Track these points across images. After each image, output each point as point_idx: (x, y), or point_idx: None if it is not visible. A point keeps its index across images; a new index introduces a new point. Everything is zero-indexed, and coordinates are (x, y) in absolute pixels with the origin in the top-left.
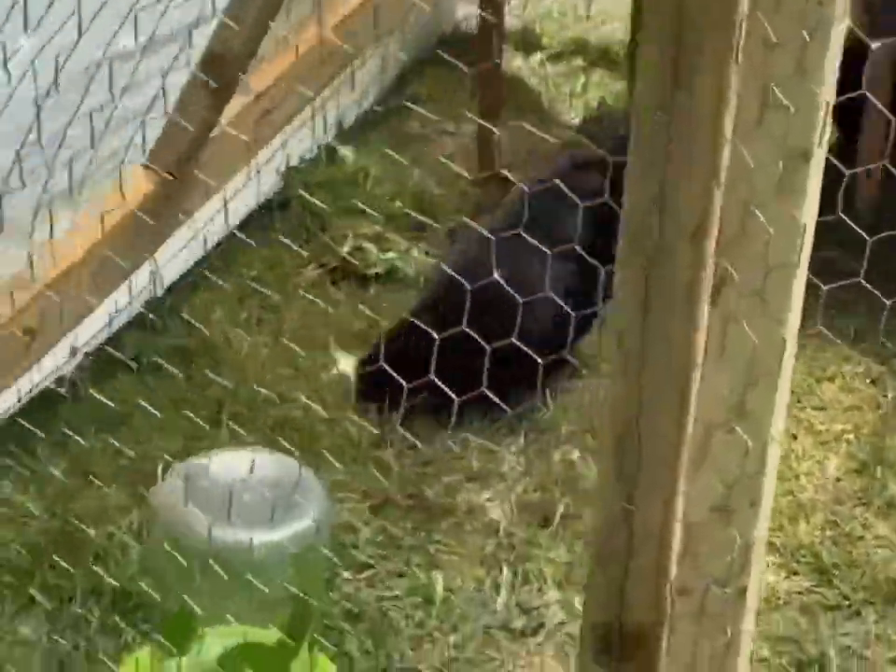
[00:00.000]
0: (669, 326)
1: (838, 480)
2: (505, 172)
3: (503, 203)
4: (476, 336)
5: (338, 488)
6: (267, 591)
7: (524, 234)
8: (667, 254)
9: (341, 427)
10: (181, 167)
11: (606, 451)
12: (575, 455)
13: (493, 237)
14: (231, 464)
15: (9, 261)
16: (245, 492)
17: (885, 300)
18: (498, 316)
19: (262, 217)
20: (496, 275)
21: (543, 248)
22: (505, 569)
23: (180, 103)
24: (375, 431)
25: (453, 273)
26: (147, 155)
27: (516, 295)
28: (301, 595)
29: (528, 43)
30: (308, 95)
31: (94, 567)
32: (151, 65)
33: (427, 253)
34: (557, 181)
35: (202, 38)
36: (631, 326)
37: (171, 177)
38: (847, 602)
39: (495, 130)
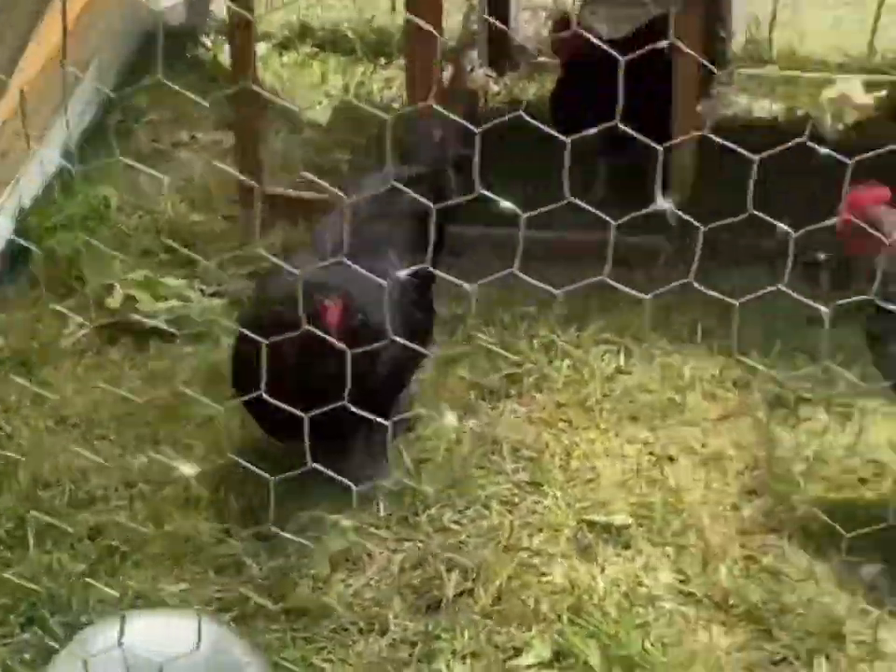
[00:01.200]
0: None
1: (735, 507)
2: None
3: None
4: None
5: (186, 602)
6: None
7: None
8: None
9: (171, 524)
10: None
11: None
12: (446, 517)
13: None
14: (144, 633)
15: None
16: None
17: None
18: (327, 365)
19: (2, 273)
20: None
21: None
22: None
23: None
24: (217, 525)
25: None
26: None
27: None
28: None
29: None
30: (37, 129)
31: None
32: None
33: (202, 291)
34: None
35: None
36: None
37: None
38: (793, 653)
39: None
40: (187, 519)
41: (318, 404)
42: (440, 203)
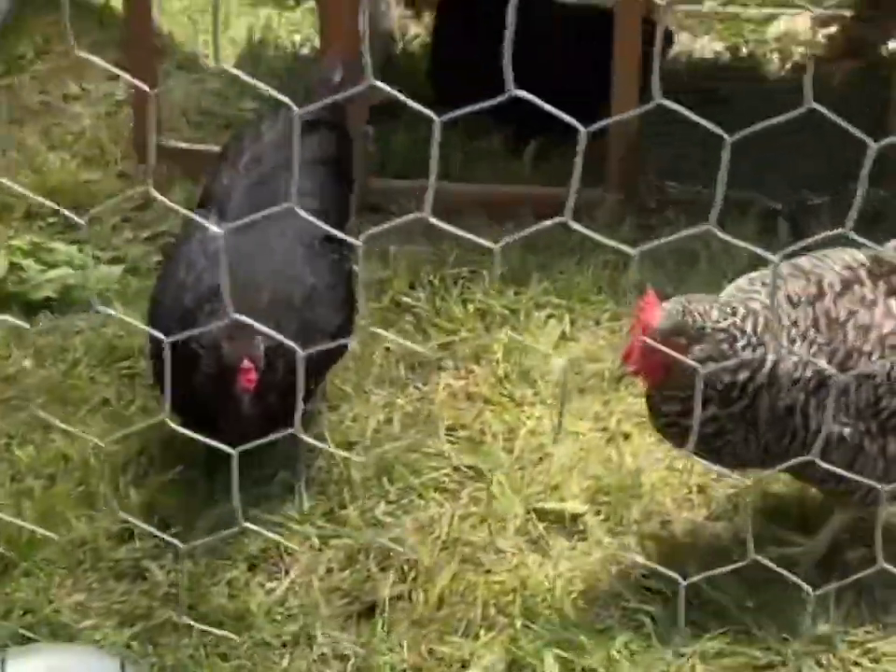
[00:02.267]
0: None
1: (702, 489)
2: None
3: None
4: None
5: (83, 616)
6: None
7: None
8: None
9: (65, 525)
10: None
11: None
12: (378, 509)
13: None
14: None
15: None
16: None
17: None
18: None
19: None
20: None
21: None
22: None
23: None
24: (117, 525)
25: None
26: None
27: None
28: None
29: None
30: None
31: None
32: None
33: (97, 258)
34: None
35: None
36: None
37: None
38: (778, 658)
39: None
40: (83, 518)
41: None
42: (343, 148)
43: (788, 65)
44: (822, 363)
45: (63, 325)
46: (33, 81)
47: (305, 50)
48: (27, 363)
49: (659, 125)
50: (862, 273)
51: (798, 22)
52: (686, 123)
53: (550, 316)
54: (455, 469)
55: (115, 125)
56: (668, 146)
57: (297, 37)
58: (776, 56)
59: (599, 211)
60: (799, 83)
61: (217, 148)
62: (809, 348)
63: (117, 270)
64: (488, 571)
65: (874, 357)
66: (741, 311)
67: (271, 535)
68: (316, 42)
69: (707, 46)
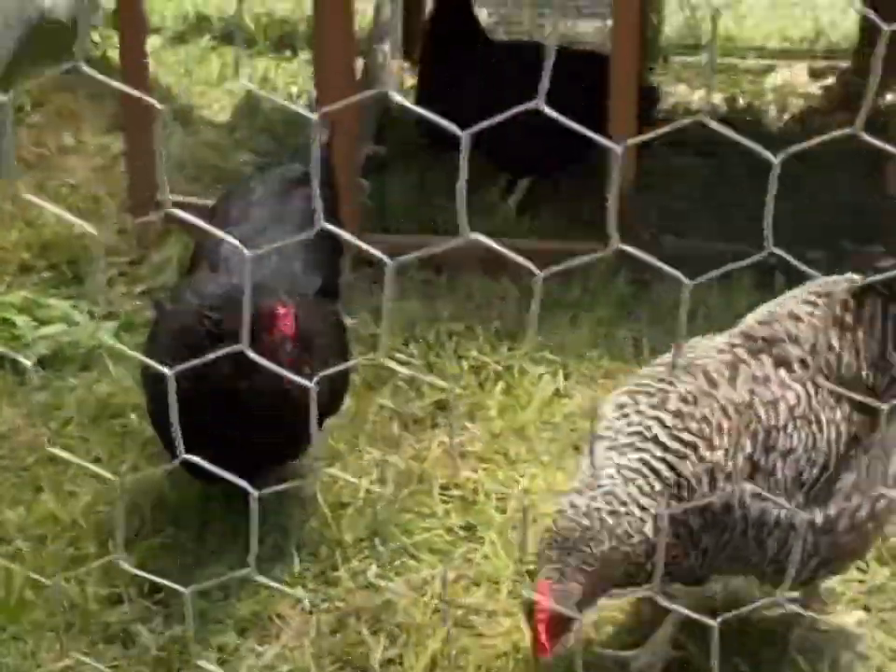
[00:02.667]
0: None
1: None
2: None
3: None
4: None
5: None
6: None
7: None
8: None
9: (54, 588)
10: None
11: None
12: (370, 570)
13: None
14: None
15: None
16: None
17: None
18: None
19: None
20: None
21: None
22: None
23: None
24: (106, 589)
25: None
26: None
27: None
28: None
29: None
30: None
31: None
32: None
33: (91, 315)
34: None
35: None
36: None
37: None
38: None
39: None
40: (72, 581)
41: (259, 435)
42: (332, 203)
43: (786, 116)
44: (748, 448)
45: (55, 382)
46: (29, 133)
47: (302, 101)
48: (18, 421)
49: (655, 178)
50: (740, 352)
51: (796, 74)
52: (682, 177)
53: (544, 373)
54: (448, 529)
55: (111, 178)
56: (664, 199)
57: (294, 88)
58: (773, 107)
59: (594, 265)
60: (797, 134)
61: (212, 202)
62: (729, 438)
63: (111, 325)
64: (480, 634)
65: (789, 431)
66: (620, 492)
67: None
68: (314, 93)
69: (704, 97)
